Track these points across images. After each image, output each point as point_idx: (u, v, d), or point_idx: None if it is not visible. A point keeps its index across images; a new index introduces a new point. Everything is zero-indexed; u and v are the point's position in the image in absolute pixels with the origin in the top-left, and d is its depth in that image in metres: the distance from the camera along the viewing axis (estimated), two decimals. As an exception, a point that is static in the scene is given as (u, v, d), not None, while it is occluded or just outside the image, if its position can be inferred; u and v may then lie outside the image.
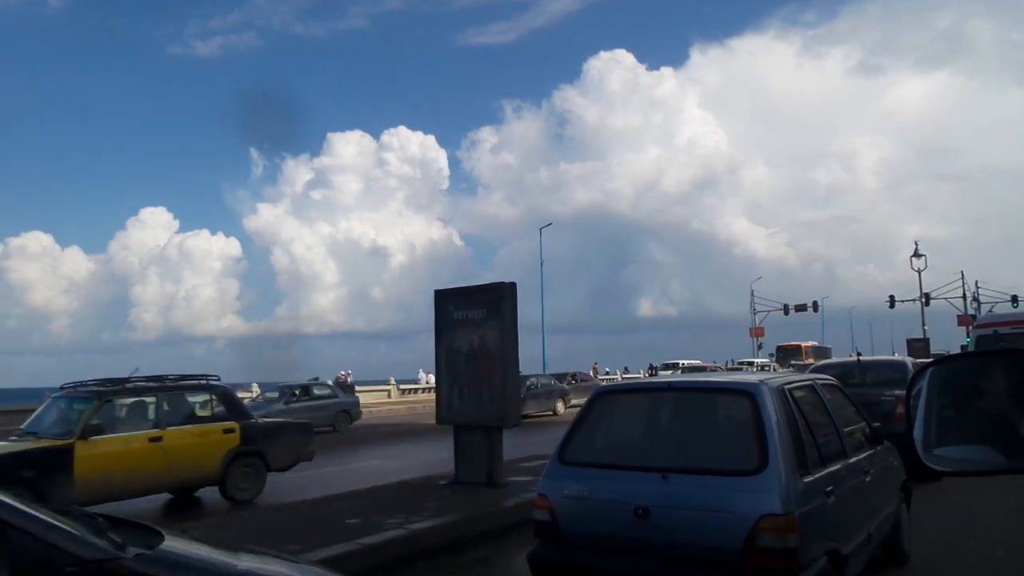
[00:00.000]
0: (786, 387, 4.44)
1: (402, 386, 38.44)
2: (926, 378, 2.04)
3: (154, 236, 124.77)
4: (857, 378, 10.40)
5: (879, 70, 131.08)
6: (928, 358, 15.80)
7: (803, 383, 4.91)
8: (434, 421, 10.11)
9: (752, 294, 64.14)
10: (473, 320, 9.34)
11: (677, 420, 4.57)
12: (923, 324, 50.52)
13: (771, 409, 4.07)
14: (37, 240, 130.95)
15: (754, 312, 63.47)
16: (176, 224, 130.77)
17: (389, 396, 36.19)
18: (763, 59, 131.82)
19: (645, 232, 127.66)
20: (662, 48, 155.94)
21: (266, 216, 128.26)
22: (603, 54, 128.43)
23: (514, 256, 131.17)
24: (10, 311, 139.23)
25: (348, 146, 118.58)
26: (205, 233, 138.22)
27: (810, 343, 59.18)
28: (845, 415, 5.49)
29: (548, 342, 43.45)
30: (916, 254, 50.13)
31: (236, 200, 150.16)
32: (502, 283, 9.28)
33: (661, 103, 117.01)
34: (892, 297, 53.88)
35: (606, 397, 4.82)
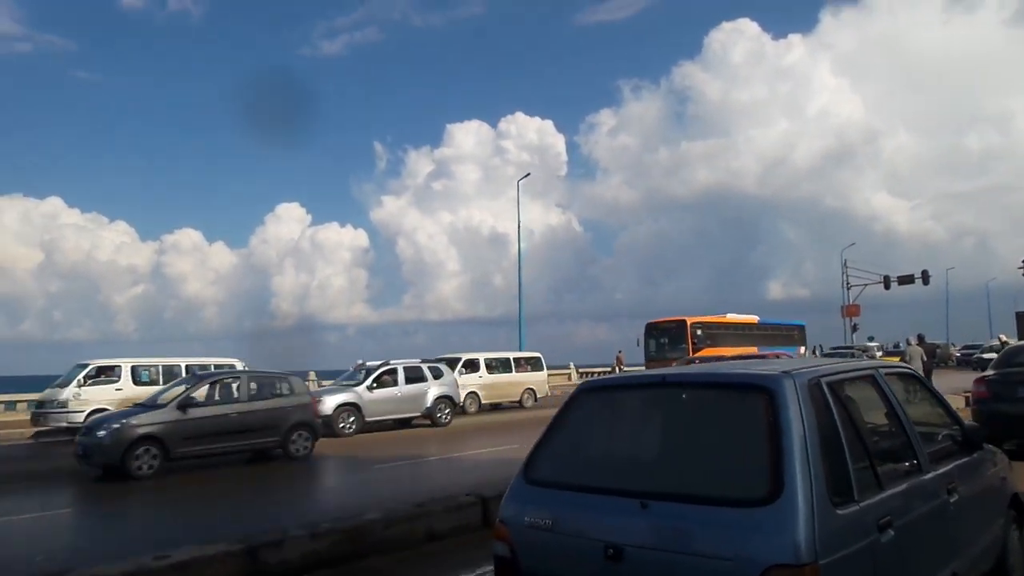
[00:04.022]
0: (825, 381, 3.29)
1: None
2: None
3: (289, 230, 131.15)
4: None
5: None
6: None
7: (856, 374, 3.71)
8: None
9: (844, 264, 50.12)
10: None
11: (670, 428, 3.49)
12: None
13: (795, 412, 2.96)
14: (189, 237, 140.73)
15: (847, 287, 49.86)
16: (309, 218, 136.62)
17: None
18: (904, 16, 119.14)
19: (774, 210, 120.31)
20: (789, 14, 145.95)
21: (390, 208, 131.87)
22: (725, 25, 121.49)
23: (634, 239, 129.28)
24: (167, 302, 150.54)
25: (467, 136, 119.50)
26: (335, 226, 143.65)
27: (722, 317, 36.53)
28: (923, 416, 4.23)
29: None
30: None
31: (362, 193, 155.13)
32: None
33: (789, 73, 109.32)
34: (1026, 263, 39.12)
35: (589, 395, 3.78)
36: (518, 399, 24.61)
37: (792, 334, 40.37)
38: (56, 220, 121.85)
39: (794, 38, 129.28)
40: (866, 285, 49.44)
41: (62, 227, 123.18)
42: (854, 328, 49.01)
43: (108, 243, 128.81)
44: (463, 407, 22.01)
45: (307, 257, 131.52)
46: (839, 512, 2.84)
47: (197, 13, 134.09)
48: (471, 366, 23.52)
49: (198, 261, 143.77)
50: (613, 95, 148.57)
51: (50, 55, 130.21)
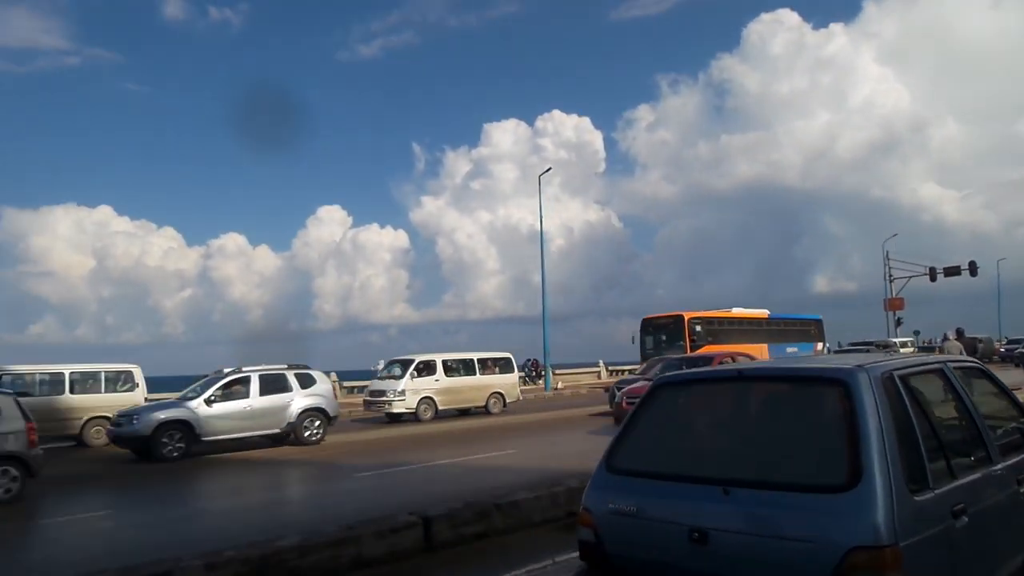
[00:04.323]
0: (897, 374, 3.44)
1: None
2: None
3: (331, 232, 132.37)
4: None
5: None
6: None
7: (926, 368, 3.85)
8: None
9: (886, 256, 48.56)
10: None
11: (748, 418, 3.68)
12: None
13: (870, 403, 3.12)
14: (234, 241, 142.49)
15: (889, 279, 48.38)
16: (349, 220, 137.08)
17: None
18: (951, 1, 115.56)
19: (817, 203, 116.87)
20: (830, 3, 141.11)
21: (429, 208, 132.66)
22: (764, 16, 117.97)
23: (675, 235, 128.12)
24: (214, 305, 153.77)
25: (504, 135, 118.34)
26: (375, 227, 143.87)
27: (727, 312, 34.25)
28: (993, 409, 4.33)
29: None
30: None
31: (402, 194, 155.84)
32: None
33: (831, 63, 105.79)
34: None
35: (667, 389, 4.00)
36: (484, 404, 22.34)
37: (808, 329, 37.40)
38: (107, 227, 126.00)
39: (836, 27, 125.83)
40: (910, 277, 48.19)
41: (113, 234, 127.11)
42: (898, 322, 47.51)
43: (157, 249, 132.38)
44: (416, 415, 20.42)
45: (348, 259, 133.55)
46: (916, 498, 3.00)
47: (236, 22, 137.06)
48: (427, 368, 21.27)
49: (243, 265, 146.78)
50: (650, 90, 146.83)
51: (97, 68, 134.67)
